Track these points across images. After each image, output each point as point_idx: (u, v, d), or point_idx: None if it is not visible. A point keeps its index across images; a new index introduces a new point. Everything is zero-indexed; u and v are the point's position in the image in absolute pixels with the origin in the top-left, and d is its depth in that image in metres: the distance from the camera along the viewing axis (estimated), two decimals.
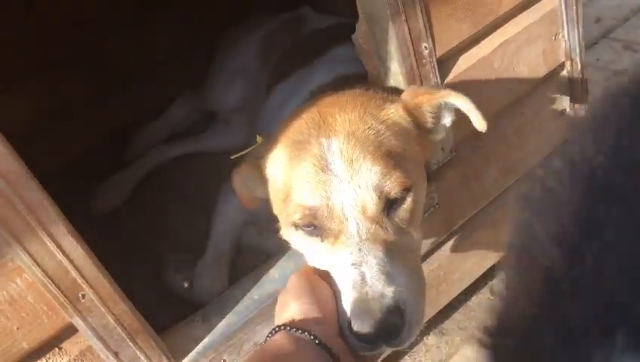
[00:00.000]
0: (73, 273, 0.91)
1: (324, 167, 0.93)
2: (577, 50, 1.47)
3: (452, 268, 1.47)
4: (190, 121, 2.22)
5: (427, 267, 1.40)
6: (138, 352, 1.02)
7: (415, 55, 1.17)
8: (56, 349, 0.96)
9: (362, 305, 0.85)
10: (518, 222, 0.42)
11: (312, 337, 0.79)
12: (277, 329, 0.82)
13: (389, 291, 0.85)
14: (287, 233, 1.01)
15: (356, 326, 0.84)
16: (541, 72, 1.44)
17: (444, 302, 1.53)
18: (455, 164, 1.33)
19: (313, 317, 0.83)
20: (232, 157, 1.17)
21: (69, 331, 0.96)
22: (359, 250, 0.89)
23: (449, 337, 1.59)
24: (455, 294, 1.54)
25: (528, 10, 1.38)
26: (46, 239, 0.87)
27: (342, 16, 1.78)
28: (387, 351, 1.02)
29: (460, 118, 1.07)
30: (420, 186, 1.01)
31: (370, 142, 0.96)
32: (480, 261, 1.55)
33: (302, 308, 0.84)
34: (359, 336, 0.85)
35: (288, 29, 1.90)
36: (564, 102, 1.54)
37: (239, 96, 1.96)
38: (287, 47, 1.80)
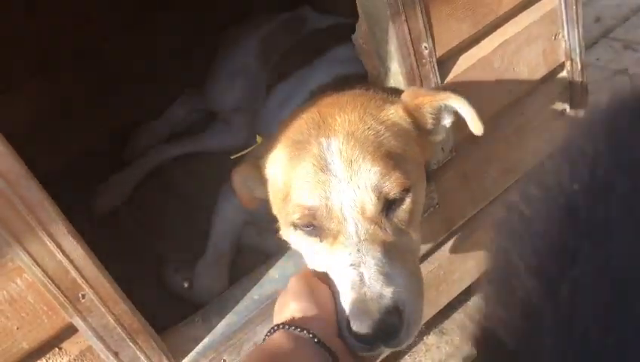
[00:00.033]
0: (73, 273, 0.91)
1: (323, 167, 0.93)
2: (577, 50, 1.47)
3: (452, 268, 1.47)
4: (190, 121, 2.22)
5: (427, 267, 1.40)
6: (138, 352, 1.02)
7: (415, 55, 1.17)
8: (57, 349, 0.96)
9: (361, 305, 0.85)
10: (496, 251, 0.42)
11: (310, 336, 0.79)
12: (276, 327, 0.82)
13: (388, 292, 0.85)
14: (287, 233, 1.01)
15: (355, 327, 0.84)
16: (541, 71, 1.44)
17: (444, 301, 1.53)
18: (455, 164, 1.33)
19: (312, 316, 0.83)
20: (232, 157, 1.17)
21: (69, 331, 0.96)
22: (358, 250, 0.89)
23: (449, 337, 1.59)
24: (455, 294, 1.54)
25: (528, 10, 1.38)
26: (46, 239, 0.87)
27: (342, 16, 1.78)
28: (386, 351, 1.02)
29: (460, 118, 1.07)
30: (419, 187, 1.01)
31: (369, 143, 0.96)
32: (480, 261, 1.55)
33: (301, 308, 0.84)
34: (358, 337, 0.85)
35: (288, 29, 1.90)
36: (564, 102, 1.55)
37: (239, 96, 1.96)
38: (287, 47, 1.81)
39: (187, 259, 1.56)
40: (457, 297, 1.57)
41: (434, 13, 1.17)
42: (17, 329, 0.90)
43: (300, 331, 0.79)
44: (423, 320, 1.47)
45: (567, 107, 1.55)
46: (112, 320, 0.97)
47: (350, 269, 0.88)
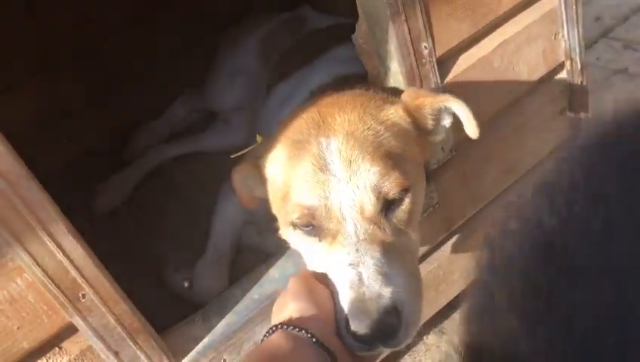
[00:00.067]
0: (73, 273, 0.91)
1: (322, 166, 0.93)
2: (577, 50, 1.47)
3: (452, 268, 1.47)
4: (190, 121, 2.22)
5: (427, 267, 1.41)
6: (138, 352, 1.02)
7: (415, 55, 1.17)
8: (57, 349, 0.96)
9: (359, 305, 0.85)
10: (478, 288, 0.41)
11: (309, 335, 0.79)
12: (274, 328, 0.82)
13: (387, 292, 0.85)
14: (286, 232, 1.01)
15: (353, 327, 0.84)
16: (541, 71, 1.44)
17: (443, 301, 1.53)
18: (455, 164, 1.34)
19: (310, 316, 0.83)
20: (231, 157, 1.17)
21: (70, 331, 0.96)
22: (357, 250, 0.89)
23: (449, 337, 1.60)
24: (455, 294, 1.54)
25: (528, 9, 1.38)
26: (46, 239, 0.87)
27: (342, 16, 1.78)
28: (385, 351, 1.02)
29: (460, 119, 1.07)
30: (418, 187, 1.01)
31: (369, 143, 0.96)
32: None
33: (299, 308, 0.84)
34: (356, 337, 0.85)
35: (288, 29, 1.90)
36: (563, 102, 1.55)
37: (239, 96, 1.96)
38: (287, 47, 1.81)
39: (187, 259, 1.56)
40: (457, 297, 1.57)
41: (434, 12, 1.17)
42: (18, 328, 0.90)
43: (298, 331, 0.79)
44: (423, 320, 1.47)
45: (566, 107, 1.55)
46: (112, 320, 0.97)
47: (349, 269, 0.88)
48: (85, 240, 0.93)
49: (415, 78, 1.18)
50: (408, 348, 1.55)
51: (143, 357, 1.03)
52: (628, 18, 2.67)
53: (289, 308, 0.85)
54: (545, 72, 1.45)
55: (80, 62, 2.08)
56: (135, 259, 1.65)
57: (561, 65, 1.49)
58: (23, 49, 1.94)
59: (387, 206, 0.94)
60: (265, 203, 1.10)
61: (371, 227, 0.91)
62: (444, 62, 1.25)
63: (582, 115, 1.59)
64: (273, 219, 1.07)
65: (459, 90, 1.20)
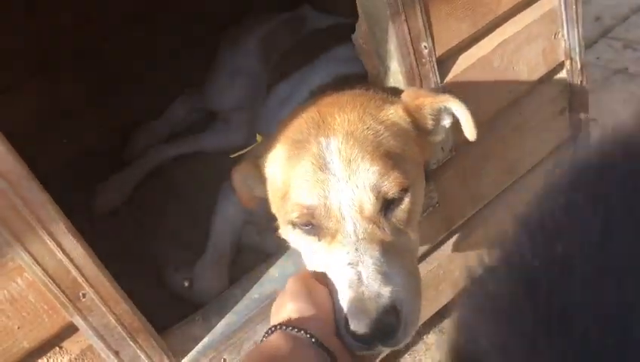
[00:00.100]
0: (74, 272, 0.91)
1: (322, 166, 0.93)
2: (577, 50, 1.47)
3: (452, 267, 1.47)
4: (190, 121, 2.22)
5: (427, 266, 1.41)
6: (139, 351, 1.02)
7: (415, 54, 1.17)
8: (57, 348, 0.96)
9: (358, 304, 0.85)
10: (460, 326, 0.41)
11: (308, 336, 0.79)
12: (273, 328, 0.82)
13: (386, 291, 0.85)
14: (285, 231, 1.02)
15: (352, 326, 0.84)
16: (541, 71, 1.44)
17: (443, 301, 1.53)
18: (454, 164, 1.34)
19: (310, 316, 0.83)
20: (231, 156, 1.17)
21: (70, 330, 0.96)
22: (356, 249, 0.89)
23: (449, 336, 1.59)
24: (455, 293, 1.54)
25: (528, 9, 1.38)
26: (46, 238, 0.87)
27: (342, 16, 1.78)
28: (385, 350, 1.02)
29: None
30: (417, 187, 1.01)
31: (368, 142, 0.96)
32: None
33: (298, 309, 0.84)
34: (355, 336, 0.85)
35: (288, 29, 1.90)
36: (563, 102, 1.55)
37: (239, 96, 1.96)
38: (287, 47, 1.81)
39: (187, 259, 1.56)
40: (457, 296, 1.57)
41: (433, 12, 1.17)
42: (18, 328, 0.90)
43: (297, 331, 0.79)
44: (423, 319, 1.47)
45: (566, 106, 1.55)
46: (112, 320, 0.97)
47: (348, 268, 0.88)
48: (85, 240, 0.93)
49: (415, 77, 1.19)
50: (408, 347, 1.56)
51: (143, 356, 1.03)
52: (628, 18, 2.67)
53: (288, 308, 0.84)
54: (545, 71, 1.45)
55: (80, 62, 2.08)
56: (135, 259, 1.65)
57: (561, 65, 1.49)
58: (23, 49, 1.94)
59: (386, 205, 0.94)
60: (265, 202, 1.10)
61: (370, 226, 0.91)
62: (444, 62, 1.25)
63: (582, 115, 1.59)
64: (273, 219, 1.07)
65: (459, 89, 1.20)
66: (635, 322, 0.32)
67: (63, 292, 0.91)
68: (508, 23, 1.35)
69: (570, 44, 1.46)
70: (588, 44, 2.43)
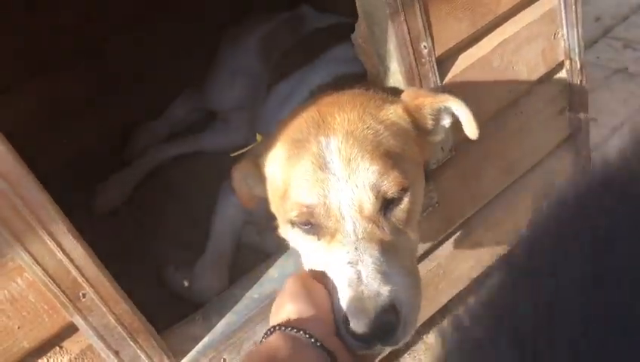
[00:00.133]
0: (74, 272, 0.91)
1: (322, 165, 0.93)
2: (577, 50, 1.47)
3: (452, 266, 1.48)
4: (190, 121, 2.23)
5: (427, 265, 1.41)
6: (139, 351, 1.02)
7: (414, 54, 1.17)
8: (57, 348, 0.96)
9: (358, 303, 0.85)
10: None
11: (307, 336, 0.79)
12: (272, 329, 0.82)
13: (385, 290, 0.85)
14: (284, 230, 1.02)
15: (352, 325, 0.84)
16: (540, 71, 1.44)
17: (443, 300, 1.53)
18: (454, 164, 1.34)
19: (309, 316, 0.83)
20: (231, 156, 1.17)
21: (70, 330, 0.96)
22: (355, 248, 0.89)
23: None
24: (455, 293, 1.55)
25: (527, 9, 1.38)
26: (46, 238, 0.87)
27: (342, 15, 1.78)
28: (385, 349, 1.02)
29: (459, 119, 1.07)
30: (417, 187, 1.01)
31: (368, 142, 0.96)
32: (479, 260, 1.56)
33: (297, 309, 0.83)
34: (355, 335, 0.85)
35: (289, 29, 1.90)
36: (563, 102, 1.55)
37: (239, 96, 1.96)
38: (287, 47, 1.81)
39: (187, 259, 1.56)
40: (457, 296, 1.58)
41: (433, 12, 1.17)
42: (18, 328, 0.90)
43: (296, 332, 0.79)
44: (423, 319, 1.47)
45: (566, 106, 1.56)
46: (112, 320, 0.97)
47: (348, 267, 0.88)
48: (85, 240, 0.94)
49: (414, 77, 1.19)
50: (408, 346, 1.56)
51: (143, 356, 1.03)
52: (628, 17, 2.67)
53: (287, 309, 0.84)
54: (544, 71, 1.45)
55: (80, 62, 2.09)
56: (135, 259, 1.65)
57: (561, 65, 1.49)
58: (23, 49, 1.95)
59: (386, 205, 0.94)
60: (264, 202, 1.11)
61: (370, 226, 0.92)
62: (444, 62, 1.25)
63: (581, 115, 1.59)
64: (272, 218, 1.07)
65: (458, 89, 1.20)
66: None
67: (63, 292, 0.91)
68: (507, 22, 1.35)
69: (569, 44, 1.46)
70: (588, 44, 2.44)
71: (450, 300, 1.56)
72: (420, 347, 1.58)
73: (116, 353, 1.00)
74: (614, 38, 2.58)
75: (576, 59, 1.49)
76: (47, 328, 0.93)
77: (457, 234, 1.47)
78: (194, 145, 2.10)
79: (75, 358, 0.98)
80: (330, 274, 0.91)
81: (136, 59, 2.13)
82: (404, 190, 0.94)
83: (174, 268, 1.58)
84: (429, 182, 1.28)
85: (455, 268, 1.49)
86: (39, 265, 0.88)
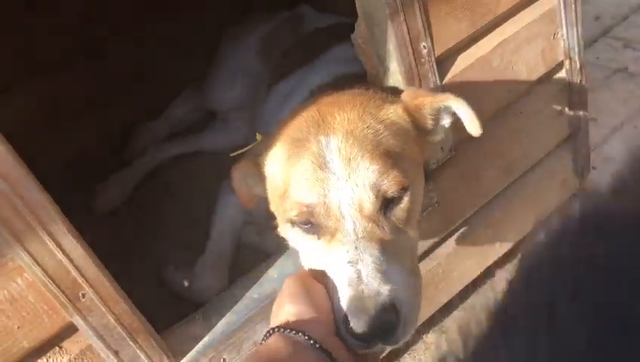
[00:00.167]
0: (73, 272, 0.91)
1: (322, 164, 0.94)
2: (576, 49, 1.47)
3: (451, 266, 1.48)
4: (190, 121, 2.23)
5: (426, 265, 1.41)
6: (138, 351, 1.02)
7: (414, 54, 1.17)
8: (57, 348, 0.97)
9: (358, 303, 0.85)
10: None
11: (306, 338, 0.78)
12: (272, 331, 0.82)
13: (385, 289, 0.85)
14: (284, 230, 1.02)
15: (352, 324, 0.84)
16: (540, 71, 1.44)
17: (443, 300, 1.53)
18: (454, 164, 1.34)
19: (308, 318, 0.82)
20: (231, 155, 1.17)
21: (70, 330, 0.96)
22: (355, 248, 0.89)
23: (449, 335, 1.60)
24: (455, 292, 1.55)
25: (527, 9, 1.38)
26: (46, 239, 0.88)
27: (342, 15, 1.78)
28: (386, 348, 1.02)
29: (459, 118, 1.07)
30: (417, 186, 1.01)
31: (368, 141, 0.96)
32: (479, 259, 1.56)
33: (296, 310, 0.83)
34: (355, 334, 0.85)
35: (289, 28, 1.90)
36: (562, 102, 1.55)
37: (239, 95, 1.96)
38: (288, 46, 1.81)
39: (187, 259, 1.57)
40: (457, 295, 1.58)
41: (433, 12, 1.17)
42: (18, 328, 0.90)
43: (295, 333, 0.79)
44: (423, 319, 1.48)
45: (565, 106, 1.56)
46: (112, 320, 0.97)
47: (348, 266, 0.88)
48: (85, 240, 0.94)
49: (414, 77, 1.19)
50: (408, 346, 1.56)
51: (142, 356, 1.03)
52: (627, 17, 2.67)
53: (286, 310, 0.84)
54: (544, 71, 1.45)
55: (80, 62, 2.09)
56: (135, 259, 1.65)
57: (560, 65, 1.49)
58: (23, 49, 1.95)
59: (386, 204, 0.94)
60: (264, 202, 1.11)
61: (370, 225, 0.92)
62: (443, 62, 1.25)
63: (581, 114, 1.59)
64: (272, 218, 1.07)
65: (458, 89, 1.20)
66: None
67: (63, 292, 0.91)
68: (507, 22, 1.35)
69: (569, 44, 1.46)
70: (588, 44, 2.44)
71: (450, 300, 1.56)
72: (419, 346, 1.58)
73: (116, 353, 1.00)
74: (614, 37, 2.58)
75: (576, 58, 1.49)
76: (47, 328, 0.93)
77: (457, 233, 1.47)
78: (194, 145, 2.10)
79: (75, 358, 0.98)
80: (330, 273, 0.91)
81: (136, 59, 2.13)
82: (404, 189, 0.94)
83: (174, 268, 1.58)
84: (429, 181, 1.28)
85: (455, 268, 1.49)
86: (39, 265, 0.88)
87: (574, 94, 1.54)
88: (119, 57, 2.12)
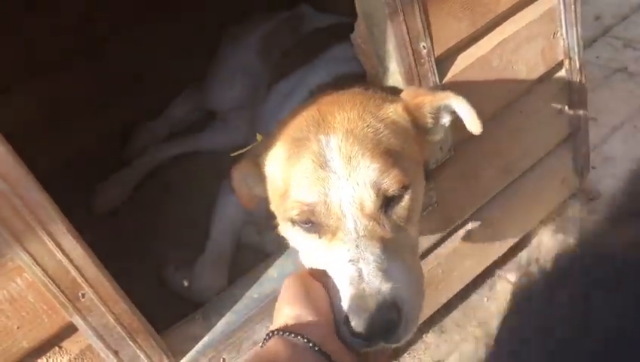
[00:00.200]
0: (73, 272, 0.91)
1: (322, 163, 0.94)
2: (576, 49, 1.47)
3: (451, 266, 1.48)
4: (190, 121, 2.23)
5: (426, 265, 1.41)
6: (138, 351, 1.02)
7: (413, 54, 1.17)
8: (57, 348, 0.97)
9: (359, 301, 0.85)
10: None
11: (305, 340, 0.78)
12: (271, 334, 0.82)
13: (386, 287, 0.85)
14: (284, 228, 1.02)
15: (353, 323, 0.84)
16: (540, 70, 1.44)
17: (443, 300, 1.53)
18: (453, 163, 1.34)
19: (307, 320, 0.82)
20: (231, 155, 1.17)
21: (69, 330, 0.96)
22: (357, 246, 0.89)
23: (448, 335, 1.60)
24: (454, 292, 1.55)
25: (527, 8, 1.38)
26: (46, 239, 0.88)
27: (342, 15, 1.78)
28: (387, 347, 1.02)
29: (459, 118, 1.07)
30: (417, 185, 1.01)
31: (368, 140, 0.96)
32: (478, 259, 1.56)
33: (295, 312, 0.83)
34: (356, 333, 0.85)
35: (289, 28, 1.90)
36: (562, 101, 1.55)
37: (239, 95, 1.96)
38: (287, 46, 1.81)
39: (187, 259, 1.57)
40: (456, 295, 1.58)
41: (432, 12, 1.17)
42: (18, 328, 0.90)
43: (294, 336, 0.79)
44: (423, 318, 1.47)
45: (565, 106, 1.55)
46: (111, 319, 0.97)
47: (349, 265, 0.88)
48: (85, 240, 0.94)
49: (414, 77, 1.19)
50: (408, 346, 1.56)
51: (142, 356, 1.03)
52: (628, 17, 2.67)
53: (285, 313, 0.84)
54: (544, 70, 1.45)
55: (80, 62, 2.09)
56: (135, 259, 1.65)
57: (560, 64, 1.49)
58: (23, 49, 1.95)
59: (387, 203, 0.94)
60: (264, 202, 1.11)
61: (371, 223, 0.91)
62: (443, 62, 1.25)
63: (581, 114, 1.59)
64: (272, 217, 1.07)
65: (457, 89, 1.20)
66: None
67: (63, 292, 0.91)
68: (507, 22, 1.35)
69: (569, 44, 1.46)
70: (588, 43, 2.44)
71: (450, 299, 1.56)
72: (419, 346, 1.58)
73: (115, 353, 1.00)
74: (614, 37, 2.57)
75: (576, 58, 1.49)
76: (47, 328, 0.93)
77: (456, 233, 1.47)
78: (193, 144, 2.10)
79: (75, 358, 0.98)
80: (331, 272, 0.91)
81: (136, 59, 2.13)
82: (404, 188, 0.94)
83: (174, 267, 1.58)
84: (429, 181, 1.28)
85: (454, 268, 1.49)
86: (38, 265, 0.88)
87: (574, 94, 1.54)
88: (119, 57, 2.12)
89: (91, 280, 0.94)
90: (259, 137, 1.16)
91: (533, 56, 1.41)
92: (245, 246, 1.61)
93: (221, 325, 1.16)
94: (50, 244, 0.88)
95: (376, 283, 0.86)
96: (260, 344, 0.83)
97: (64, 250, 0.90)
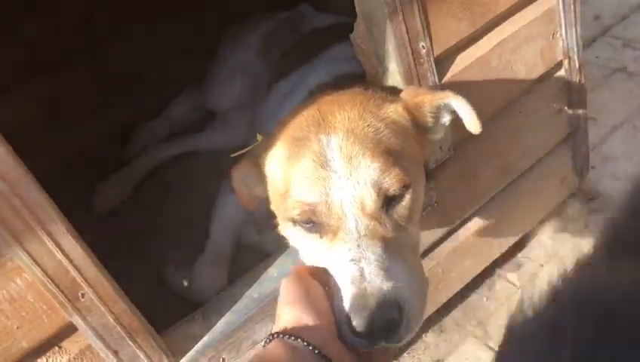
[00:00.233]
0: (73, 272, 0.91)
1: (323, 163, 0.94)
2: (575, 49, 1.47)
3: (450, 266, 1.48)
4: (190, 120, 2.23)
5: (426, 265, 1.41)
6: (138, 351, 1.02)
7: (413, 54, 1.17)
8: (56, 348, 0.97)
9: (361, 301, 0.85)
10: None
11: (305, 343, 0.78)
12: (271, 337, 0.81)
13: (388, 286, 0.85)
14: (285, 228, 1.01)
15: (355, 322, 0.84)
16: (539, 70, 1.44)
17: (442, 299, 1.53)
18: (453, 163, 1.34)
19: (307, 322, 0.82)
20: (232, 156, 1.17)
21: (69, 330, 0.96)
22: (358, 246, 0.89)
23: (448, 335, 1.60)
24: (454, 292, 1.55)
25: (526, 8, 1.38)
26: (45, 239, 0.88)
27: (342, 15, 1.78)
28: (389, 346, 1.02)
29: (459, 117, 1.07)
30: (418, 184, 1.01)
31: (369, 140, 0.96)
32: (478, 259, 1.56)
33: (295, 315, 0.83)
34: (357, 333, 0.85)
35: (289, 28, 1.91)
36: (562, 101, 1.55)
37: (239, 95, 1.96)
38: (287, 46, 1.81)
39: (187, 259, 1.57)
40: (456, 295, 1.58)
41: (431, 12, 1.17)
42: (17, 328, 0.90)
43: (294, 339, 0.79)
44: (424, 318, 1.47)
45: (564, 106, 1.56)
46: (111, 319, 0.98)
47: (350, 264, 0.88)
48: (84, 240, 0.94)
49: (413, 77, 1.19)
50: (408, 345, 1.56)
51: (142, 356, 1.03)
52: (627, 16, 2.67)
53: (284, 316, 0.84)
54: (543, 70, 1.45)
55: (80, 62, 2.09)
56: (135, 258, 1.65)
57: (560, 64, 1.49)
58: (23, 49, 1.95)
59: (388, 202, 0.94)
60: (264, 202, 1.11)
61: (372, 223, 0.91)
62: (442, 62, 1.25)
63: (580, 113, 1.59)
64: (272, 217, 1.07)
65: (457, 89, 1.20)
66: None
67: (62, 292, 0.91)
68: (506, 22, 1.35)
69: (568, 44, 1.46)
70: (587, 43, 2.44)
71: (449, 299, 1.56)
72: (419, 346, 1.58)
73: (115, 353, 1.00)
74: (614, 37, 2.58)
75: (575, 58, 1.49)
76: (46, 328, 0.93)
77: (456, 233, 1.47)
78: (193, 144, 2.10)
79: (74, 358, 0.98)
80: (332, 272, 0.91)
81: (136, 59, 2.13)
82: (405, 187, 0.94)
83: (174, 267, 1.58)
84: (429, 181, 1.28)
85: (454, 268, 1.49)
86: (38, 265, 0.88)
87: (573, 93, 1.55)
88: (119, 57, 2.12)
89: (91, 280, 0.94)
90: (259, 137, 1.16)
91: (533, 56, 1.41)
92: (245, 246, 1.61)
93: (221, 325, 1.16)
94: (50, 244, 0.88)
95: (378, 282, 0.86)
96: (262, 345, 0.83)
97: (64, 249, 0.90)
